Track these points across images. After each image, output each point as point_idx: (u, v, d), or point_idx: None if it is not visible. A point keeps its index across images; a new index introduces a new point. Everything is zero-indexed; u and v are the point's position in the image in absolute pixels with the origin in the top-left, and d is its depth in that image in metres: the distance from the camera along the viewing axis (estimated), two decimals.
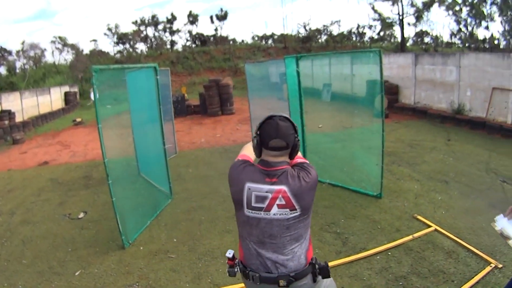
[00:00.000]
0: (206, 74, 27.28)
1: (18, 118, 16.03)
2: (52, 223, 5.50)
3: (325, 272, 1.86)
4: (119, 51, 35.94)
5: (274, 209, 1.76)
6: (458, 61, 11.69)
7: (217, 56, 31.49)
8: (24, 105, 17.21)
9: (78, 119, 17.11)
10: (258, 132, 1.82)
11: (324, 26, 35.85)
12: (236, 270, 1.92)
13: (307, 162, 1.90)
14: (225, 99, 15.48)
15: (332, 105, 6.68)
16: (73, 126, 16.33)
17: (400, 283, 3.44)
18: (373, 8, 32.32)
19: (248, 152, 2.06)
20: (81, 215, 5.75)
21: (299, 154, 1.99)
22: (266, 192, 1.75)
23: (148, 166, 6.95)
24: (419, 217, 4.75)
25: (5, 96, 16.14)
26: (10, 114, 15.12)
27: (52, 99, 20.49)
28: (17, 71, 28.94)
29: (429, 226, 4.47)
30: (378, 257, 3.90)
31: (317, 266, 1.86)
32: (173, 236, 4.73)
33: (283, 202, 1.74)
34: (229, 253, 1.93)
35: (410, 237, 4.25)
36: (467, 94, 11.37)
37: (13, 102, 16.27)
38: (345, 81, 5.46)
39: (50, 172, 8.64)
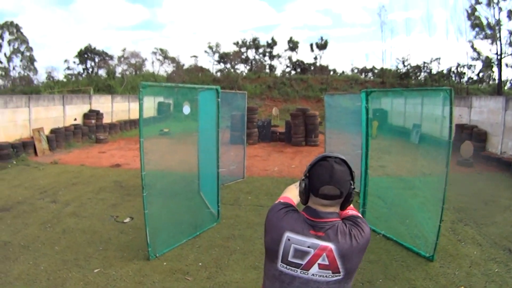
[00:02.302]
0: (301, 102, 28.14)
1: (106, 120, 18.33)
2: (97, 221, 6.24)
3: None
4: (220, 70, 39.02)
5: (314, 269, 1.61)
6: None
7: (314, 85, 32.53)
8: (114, 108, 19.65)
9: (166, 129, 18.60)
10: (307, 175, 1.68)
11: (424, 63, 35.48)
12: None
13: (361, 216, 1.73)
14: (310, 129, 15.90)
15: (419, 148, 6.39)
16: (159, 136, 17.86)
17: None
18: (472, 46, 31.35)
19: (291, 194, 1.92)
20: (127, 219, 6.37)
21: (351, 205, 1.82)
22: (309, 247, 1.61)
23: (205, 186, 7.49)
24: None
25: (96, 97, 18.74)
26: (98, 114, 17.38)
27: (144, 106, 22.74)
28: (117, 75, 33.04)
29: None
30: None
31: None
32: (200, 260, 4.97)
33: (326, 262, 1.60)
34: None
35: None
36: None
37: (103, 104, 18.73)
38: (435, 122, 5.24)
39: (117, 175, 9.71)
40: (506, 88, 32.16)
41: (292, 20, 65.96)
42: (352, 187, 1.66)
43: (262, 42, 40.67)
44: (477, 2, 29.64)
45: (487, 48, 38.44)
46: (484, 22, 29.63)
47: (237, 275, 4.59)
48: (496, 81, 30.76)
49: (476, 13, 29.92)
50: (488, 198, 8.32)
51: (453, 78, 34.14)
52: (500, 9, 28.56)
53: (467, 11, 30.54)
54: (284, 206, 1.75)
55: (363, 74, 42.52)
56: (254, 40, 40.14)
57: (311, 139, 15.84)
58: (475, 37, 30.87)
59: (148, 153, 13.05)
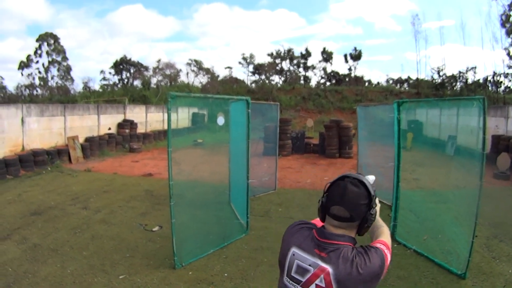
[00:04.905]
0: (336, 114, 27.97)
1: (141, 129, 18.84)
2: (126, 229, 6.37)
3: None
4: (255, 81, 39.49)
5: None
6: None
7: (349, 97, 32.41)
8: (148, 118, 20.19)
9: (200, 140, 18.74)
10: (326, 193, 1.69)
11: (459, 72, 34.34)
12: None
13: (381, 248, 1.65)
14: (344, 141, 15.81)
15: (454, 160, 6.19)
16: (192, 146, 18.01)
17: None
18: (508, 53, 30.30)
19: None
20: (156, 228, 6.46)
21: (384, 238, 1.76)
22: (310, 265, 1.61)
23: (236, 197, 7.53)
24: None
25: (130, 107, 19.41)
26: (132, 124, 17.88)
27: (178, 117, 23.21)
28: (152, 86, 34.02)
29: None
30: None
31: None
32: (226, 270, 4.96)
33: (323, 285, 1.57)
34: None
35: None
36: None
37: (138, 114, 19.33)
38: (471, 134, 5.06)
39: (149, 184, 9.90)
40: None
41: (324, 31, 66.29)
42: (370, 212, 1.62)
43: (296, 53, 41.03)
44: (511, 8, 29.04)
45: None
46: None
47: None
48: None
49: (511, 19, 29.32)
50: None
51: (490, 88, 33.05)
52: None
53: (502, 18, 29.92)
54: (300, 223, 1.78)
55: (398, 84, 42.09)
56: (289, 51, 40.56)
57: (345, 151, 15.75)
58: (511, 44, 30.09)
59: (181, 163, 13.33)
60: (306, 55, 40.35)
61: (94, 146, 14.64)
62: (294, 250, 1.67)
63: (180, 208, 5.27)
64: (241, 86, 36.89)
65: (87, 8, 61.75)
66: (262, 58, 52.85)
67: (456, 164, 6.47)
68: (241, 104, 6.48)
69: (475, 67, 34.18)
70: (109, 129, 16.83)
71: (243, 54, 41.28)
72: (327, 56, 40.50)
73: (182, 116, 23.96)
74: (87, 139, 14.80)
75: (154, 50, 64.13)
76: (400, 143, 6.14)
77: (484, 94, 30.98)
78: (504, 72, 32.08)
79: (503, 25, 30.04)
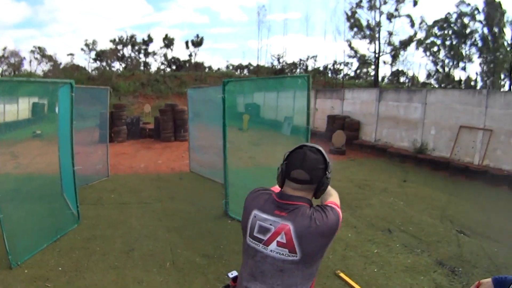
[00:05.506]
0: (175, 99, 27.67)
1: None
2: None
3: None
4: (96, 68, 36.69)
5: (273, 245, 1.60)
6: (424, 97, 11.38)
7: (188, 82, 32.00)
8: None
9: (38, 131, 16.99)
10: (285, 161, 1.70)
11: (300, 60, 36.45)
12: None
13: (334, 207, 1.67)
14: (179, 125, 15.64)
15: (291, 139, 6.39)
16: (32, 138, 16.24)
17: None
18: (349, 45, 32.94)
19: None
20: None
21: (334, 199, 1.79)
22: (270, 224, 1.61)
23: (67, 187, 6.97)
24: (342, 274, 4.08)
25: None
26: None
27: (19, 108, 20.55)
28: None
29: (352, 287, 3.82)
30: None
31: None
32: (60, 264, 4.65)
33: (284, 241, 1.57)
34: (232, 274, 1.90)
35: None
36: (431, 132, 11.06)
37: None
38: (305, 114, 5.35)
39: None
40: (383, 83, 33.98)
41: (170, 19, 63.51)
42: (326, 176, 1.68)
43: (140, 39, 38.91)
44: (359, 6, 30.93)
45: (365, 47, 39.59)
46: (364, 23, 31.03)
47: (96, 277, 4.35)
48: (373, 77, 32.45)
49: (356, 16, 31.21)
50: (362, 182, 8.24)
51: (330, 74, 35.00)
52: (381, 12, 30.40)
53: (347, 14, 31.70)
54: (260, 189, 1.81)
55: (239, 70, 42.83)
56: (131, 37, 38.25)
57: (180, 134, 15.60)
58: (353, 36, 32.07)
59: (19, 156, 12.29)
60: (148, 41, 38.56)
61: None
62: (255, 212, 1.67)
63: (15, 203, 4.90)
64: (82, 73, 33.61)
65: None
66: (106, 45, 48.95)
67: (293, 141, 6.16)
68: (67, 89, 5.88)
69: (316, 56, 36.16)
70: None
71: (86, 40, 37.83)
72: (168, 42, 39.24)
73: (23, 107, 21.21)
74: None
75: (3, 38, 53.57)
76: (226, 122, 5.93)
77: (324, 80, 32.85)
78: (344, 61, 34.69)
79: (348, 19, 31.87)
